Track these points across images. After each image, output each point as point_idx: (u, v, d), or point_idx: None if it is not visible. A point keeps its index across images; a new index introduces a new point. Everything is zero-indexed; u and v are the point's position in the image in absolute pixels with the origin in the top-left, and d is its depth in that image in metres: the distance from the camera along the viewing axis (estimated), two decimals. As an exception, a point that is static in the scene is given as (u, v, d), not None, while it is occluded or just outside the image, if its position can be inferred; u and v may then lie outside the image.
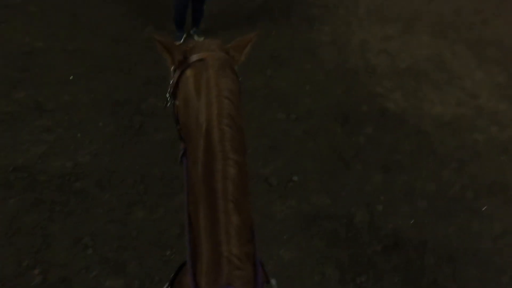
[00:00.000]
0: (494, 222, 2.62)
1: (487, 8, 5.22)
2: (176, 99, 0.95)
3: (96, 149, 2.41)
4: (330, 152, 2.88)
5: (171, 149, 2.57)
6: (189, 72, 0.90)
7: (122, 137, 2.54)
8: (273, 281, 0.91)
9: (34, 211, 2.05)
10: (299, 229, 2.36)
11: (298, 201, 2.50)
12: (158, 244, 2.11)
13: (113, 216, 2.17)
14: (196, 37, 3.61)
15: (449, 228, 2.52)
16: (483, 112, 3.55)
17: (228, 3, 4.29)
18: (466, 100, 3.65)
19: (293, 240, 2.30)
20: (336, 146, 2.93)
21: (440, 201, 2.68)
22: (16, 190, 2.10)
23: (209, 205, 0.74)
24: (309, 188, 2.59)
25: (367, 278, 2.17)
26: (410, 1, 5.04)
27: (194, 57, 0.91)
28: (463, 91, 3.75)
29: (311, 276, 2.14)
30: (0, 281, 1.80)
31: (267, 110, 3.11)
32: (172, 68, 0.97)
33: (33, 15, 3.18)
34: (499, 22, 5.07)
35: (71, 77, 2.79)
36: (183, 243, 0.79)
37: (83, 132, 2.47)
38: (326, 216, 2.45)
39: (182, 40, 3.54)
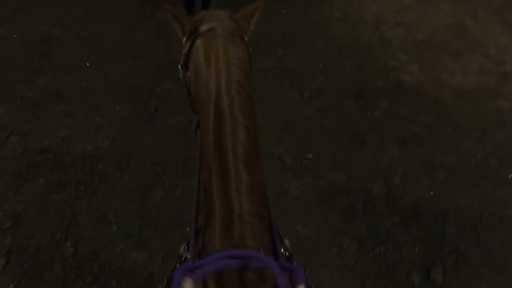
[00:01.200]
0: (520, 190, 2.52)
1: (512, -30, 4.88)
2: (188, 70, 0.97)
3: (114, 133, 2.50)
4: (344, 128, 2.84)
5: (185, 132, 2.63)
6: (199, 42, 0.92)
7: (138, 121, 2.62)
8: (286, 241, 0.95)
9: (62, 190, 2.18)
10: (315, 205, 2.36)
11: (313, 178, 2.50)
12: (178, 221, 2.18)
13: (134, 197, 2.26)
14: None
15: (471, 198, 2.45)
16: (508, 78, 3.37)
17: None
18: (489, 67, 3.47)
19: (309, 216, 2.31)
20: (351, 122, 2.89)
21: (461, 171, 2.60)
22: (44, 171, 2.25)
23: (220, 167, 0.77)
24: (324, 165, 2.58)
25: (385, 248, 2.16)
26: (427, -31, 4.79)
27: (203, 27, 0.92)
28: (487, 58, 3.57)
29: (329, 248, 2.16)
30: (38, 250, 1.97)
31: (279, 90, 3.09)
32: (184, 39, 0.99)
33: (49, 3, 3.29)
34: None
35: (87, 64, 2.88)
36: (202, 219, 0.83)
37: (101, 117, 2.57)
38: (342, 191, 2.44)
39: None
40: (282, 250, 0.81)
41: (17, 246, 1.99)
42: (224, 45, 0.87)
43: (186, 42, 0.98)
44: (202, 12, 1.02)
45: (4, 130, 2.45)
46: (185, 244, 0.92)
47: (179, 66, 1.02)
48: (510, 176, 2.59)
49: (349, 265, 2.08)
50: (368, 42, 3.65)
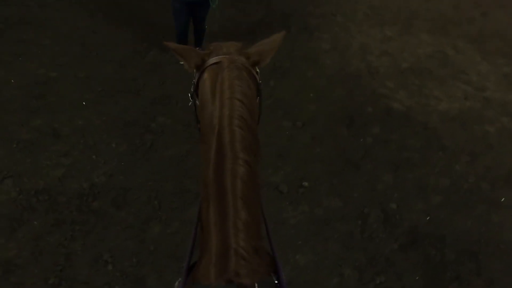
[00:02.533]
0: (513, 212, 2.56)
1: (486, 1, 5.23)
2: (197, 98, 1.01)
3: (110, 169, 2.51)
4: (338, 155, 2.90)
5: (181, 164, 2.64)
6: (205, 75, 0.95)
7: (135, 156, 2.64)
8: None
9: (56, 231, 2.14)
10: (313, 234, 2.36)
11: (310, 206, 2.51)
12: (175, 256, 2.15)
13: (130, 233, 2.23)
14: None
15: (467, 222, 2.47)
16: (491, 103, 3.52)
17: (228, 21, 4.45)
18: (473, 93, 3.62)
19: (308, 245, 2.30)
20: (344, 149, 2.94)
21: (455, 195, 2.64)
22: (39, 212, 2.20)
23: (219, 202, 0.78)
24: (320, 192, 2.60)
25: (386, 277, 2.14)
26: (407, 2, 5.10)
27: (211, 60, 0.96)
28: (470, 84, 3.73)
29: (330, 278, 2.13)
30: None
31: (273, 119, 3.17)
32: (194, 70, 1.02)
33: (46, 47, 3.39)
34: (500, 14, 5.05)
35: (84, 103, 2.93)
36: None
37: (98, 154, 2.58)
38: (340, 219, 2.45)
39: None
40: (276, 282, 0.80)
41: (7, 296, 1.90)
42: (229, 79, 0.90)
43: (196, 72, 1.01)
44: (214, 44, 1.04)
45: (-1, 173, 2.43)
46: (180, 279, 0.91)
47: (189, 95, 1.05)
48: (502, 199, 2.63)
49: (351, 295, 2.05)
50: (356, 71, 3.80)
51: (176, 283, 0.91)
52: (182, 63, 1.04)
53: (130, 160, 2.61)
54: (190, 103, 1.08)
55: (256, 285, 0.72)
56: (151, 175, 2.54)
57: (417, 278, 2.15)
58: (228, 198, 0.78)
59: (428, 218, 2.48)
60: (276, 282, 0.82)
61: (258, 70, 1.03)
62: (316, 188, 2.63)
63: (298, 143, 2.97)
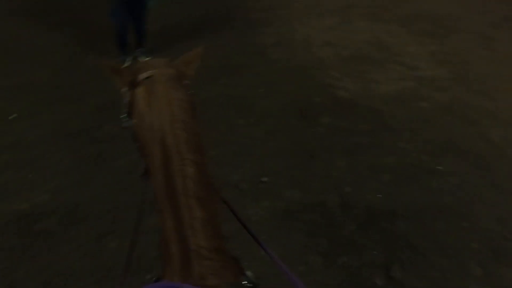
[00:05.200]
0: (450, 177, 2.83)
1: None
2: (132, 118, 0.99)
3: (54, 186, 2.33)
4: (293, 147, 2.97)
5: (135, 172, 2.53)
6: (139, 90, 0.95)
7: (81, 169, 2.48)
8: (248, 273, 0.93)
9: (-8, 262, 1.94)
10: (276, 227, 2.40)
11: (271, 200, 2.55)
12: (137, 270, 2.06)
13: (84, 251, 2.10)
14: (142, 57, 3.60)
15: (413, 193, 2.68)
16: (424, 81, 3.83)
17: (169, 19, 4.32)
18: (407, 73, 3.91)
19: (272, 239, 2.34)
20: (299, 141, 3.03)
21: (401, 170, 2.85)
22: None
23: (172, 206, 0.77)
24: (279, 186, 2.66)
25: (348, 257, 2.25)
26: (342, -8, 5.33)
27: (142, 76, 0.96)
28: (404, 65, 4.02)
29: (296, 267, 2.19)
30: None
31: (226, 118, 3.16)
32: (124, 89, 1.01)
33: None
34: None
35: (11, 117, 2.67)
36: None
37: (36, 171, 2.39)
38: (301, 209, 2.52)
39: (128, 62, 3.51)
40: (245, 282, 0.81)
41: None
42: (164, 89, 0.91)
43: (127, 92, 1.00)
44: (141, 62, 1.08)
45: None
46: None
47: (121, 117, 1.03)
48: (440, 167, 2.90)
49: (317, 280, 2.13)
50: (302, 62, 3.92)
51: None
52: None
53: (76, 174, 2.45)
54: (124, 124, 1.04)
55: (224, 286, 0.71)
56: (102, 188, 2.41)
57: (375, 252, 2.29)
58: (180, 199, 0.76)
59: (380, 196, 2.64)
60: (246, 282, 0.82)
61: (188, 81, 1.04)
62: (276, 182, 2.68)
63: (254, 139, 3.00)
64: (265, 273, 2.17)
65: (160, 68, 0.97)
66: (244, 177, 2.68)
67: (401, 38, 4.50)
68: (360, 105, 3.45)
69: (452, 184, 2.78)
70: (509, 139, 3.25)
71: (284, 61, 3.90)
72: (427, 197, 2.66)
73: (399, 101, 3.54)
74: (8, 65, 3.06)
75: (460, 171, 2.89)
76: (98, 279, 1.99)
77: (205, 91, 3.31)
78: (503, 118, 3.49)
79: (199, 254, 0.72)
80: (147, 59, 3.54)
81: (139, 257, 2.11)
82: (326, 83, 3.67)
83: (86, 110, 2.90)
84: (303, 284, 0.69)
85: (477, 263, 2.28)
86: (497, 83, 3.93)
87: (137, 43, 3.57)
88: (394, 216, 2.51)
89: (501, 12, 5.65)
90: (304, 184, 2.68)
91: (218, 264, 0.74)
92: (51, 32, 3.49)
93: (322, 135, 3.10)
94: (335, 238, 2.36)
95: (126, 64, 3.53)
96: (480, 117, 3.46)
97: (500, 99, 3.71)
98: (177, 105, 0.88)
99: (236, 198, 2.53)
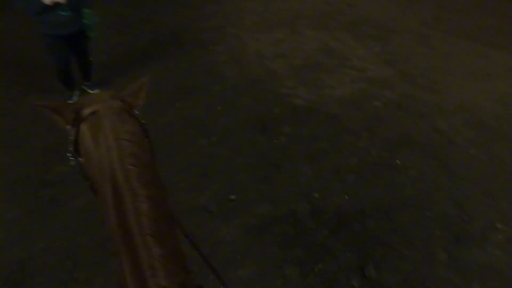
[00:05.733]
0: (409, 170, 2.98)
1: (351, -5, 5.99)
2: (80, 156, 0.95)
3: None
4: (258, 160, 2.99)
5: (94, 212, 2.41)
6: (84, 127, 0.91)
7: (31, 218, 2.31)
8: None
9: None
10: (250, 245, 2.38)
11: (242, 218, 2.54)
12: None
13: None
14: (90, 91, 3.46)
15: (378, 190, 2.79)
16: (373, 81, 4.04)
17: (116, 49, 4.23)
18: (358, 76, 4.11)
19: (247, 257, 2.31)
20: (263, 153, 3.05)
21: (364, 169, 2.96)
22: None
23: (128, 247, 0.73)
24: (249, 202, 2.65)
25: (323, 263, 2.28)
26: (285, 3, 5.54)
27: (86, 111, 0.92)
28: (353, 69, 4.23)
29: (274, 282, 2.18)
30: None
31: (188, 140, 3.11)
32: (67, 127, 0.97)
33: None
34: (363, 4, 5.85)
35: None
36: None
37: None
38: (273, 222, 2.52)
39: (75, 98, 3.37)
40: None
41: None
42: (111, 124, 0.87)
43: (71, 129, 0.96)
44: (82, 97, 1.01)
45: None
46: None
47: (68, 155, 0.98)
48: (398, 162, 3.05)
49: (297, 292, 2.13)
50: (257, 77, 3.98)
51: None
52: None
53: (25, 224, 2.28)
54: (71, 162, 1.00)
55: None
56: (57, 234, 2.25)
57: (349, 254, 2.34)
58: (136, 239, 0.73)
59: (347, 198, 2.72)
60: None
61: (137, 112, 1.01)
62: (244, 198, 2.67)
63: (218, 158, 2.98)
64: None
65: (105, 102, 0.94)
66: (212, 198, 2.65)
67: (348, 43, 4.74)
68: (318, 111, 3.56)
69: (412, 176, 2.93)
70: (455, 127, 3.51)
71: (238, 77, 3.94)
72: (391, 192, 2.78)
73: (353, 103, 3.70)
74: None
75: (417, 164, 3.06)
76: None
77: (161, 116, 3.25)
78: (447, 108, 3.76)
79: None
80: (95, 92, 3.43)
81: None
82: (282, 93, 3.76)
83: (31, 153, 2.73)
84: None
85: (442, 249, 2.41)
86: (437, 77, 4.24)
87: (84, 77, 3.42)
88: (362, 215, 2.59)
89: (432, 12, 6.17)
90: (273, 196, 2.69)
91: None
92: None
93: (284, 145, 3.15)
94: (309, 246, 2.38)
95: (73, 100, 3.39)
96: (427, 110, 3.71)
97: (442, 91, 4.01)
98: (125, 139, 0.85)
99: (206, 221, 2.49)
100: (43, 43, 2.87)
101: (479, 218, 2.64)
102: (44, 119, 2.99)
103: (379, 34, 4.97)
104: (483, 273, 2.30)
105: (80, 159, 0.95)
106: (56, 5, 2.59)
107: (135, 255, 0.72)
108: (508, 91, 4.07)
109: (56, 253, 2.15)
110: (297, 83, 3.92)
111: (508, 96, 4.00)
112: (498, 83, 4.20)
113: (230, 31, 4.77)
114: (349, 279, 2.19)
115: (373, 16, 5.43)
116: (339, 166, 2.99)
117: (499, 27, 5.52)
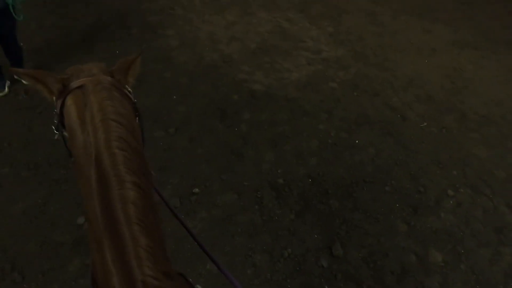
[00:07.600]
0: (367, 148, 3.08)
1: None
2: (65, 129, 0.88)
3: None
4: (220, 150, 2.90)
5: (41, 215, 2.20)
6: (69, 101, 0.84)
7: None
8: (198, 287, 0.96)
9: None
10: (217, 236, 2.33)
11: (207, 210, 2.46)
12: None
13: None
14: (24, 81, 3.08)
15: (339, 170, 2.85)
16: (329, 62, 4.08)
17: (53, 32, 3.80)
18: (313, 57, 4.12)
19: (216, 249, 2.26)
20: (224, 142, 2.96)
21: (325, 151, 3.00)
22: None
23: (112, 235, 0.69)
24: (213, 193, 2.57)
25: (292, 247, 2.29)
26: (238, -15, 5.33)
27: (72, 85, 0.86)
28: (308, 50, 4.22)
29: (244, 272, 2.15)
30: None
31: (144, 132, 2.92)
32: (54, 97, 0.90)
33: None
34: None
35: None
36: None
37: None
38: (239, 211, 2.48)
39: (5, 89, 2.99)
40: None
41: None
42: (99, 102, 0.81)
43: (56, 100, 0.89)
44: (72, 67, 0.93)
45: None
46: None
47: (54, 128, 0.93)
48: (357, 141, 3.13)
49: (267, 278, 2.13)
50: (211, 62, 3.82)
51: None
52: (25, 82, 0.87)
53: None
54: (56, 136, 0.94)
55: None
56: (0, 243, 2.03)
57: (316, 236, 2.38)
58: (122, 228, 0.69)
59: (310, 180, 2.75)
60: None
61: (129, 89, 0.95)
62: (208, 190, 2.58)
63: (177, 150, 2.84)
64: (212, 287, 2.09)
65: (94, 76, 0.88)
66: (174, 192, 2.53)
67: (301, 24, 4.71)
68: (276, 95, 3.52)
69: (371, 154, 3.03)
70: (406, 103, 3.67)
71: (192, 63, 3.76)
72: (352, 171, 2.86)
73: (311, 85, 3.71)
74: None
75: (375, 141, 3.16)
76: None
77: (112, 109, 3.01)
78: (399, 84, 3.92)
79: (147, 283, 0.67)
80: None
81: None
82: (239, 79, 3.65)
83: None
84: None
85: (402, 220, 2.54)
86: (388, 54, 4.39)
87: (12, 65, 3.02)
88: (327, 196, 2.64)
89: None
90: (237, 186, 2.64)
91: None
92: None
93: (245, 131, 3.08)
94: (277, 232, 2.38)
95: (4, 92, 3.01)
96: (381, 87, 3.83)
97: (393, 68, 4.15)
98: (114, 119, 0.79)
99: (170, 216, 2.36)
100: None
101: (433, 188, 2.81)
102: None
103: (331, 14, 5.00)
104: (438, 238, 2.47)
105: (65, 133, 0.88)
106: None
107: (120, 244, 0.69)
108: (452, 65, 4.34)
109: (0, 265, 1.93)
110: (254, 68, 3.83)
111: (452, 70, 4.26)
112: (442, 57, 4.45)
113: (179, 14, 4.50)
114: (317, 260, 2.23)
115: (325, -5, 5.43)
116: (301, 149, 3.00)
117: (442, 3, 5.81)
